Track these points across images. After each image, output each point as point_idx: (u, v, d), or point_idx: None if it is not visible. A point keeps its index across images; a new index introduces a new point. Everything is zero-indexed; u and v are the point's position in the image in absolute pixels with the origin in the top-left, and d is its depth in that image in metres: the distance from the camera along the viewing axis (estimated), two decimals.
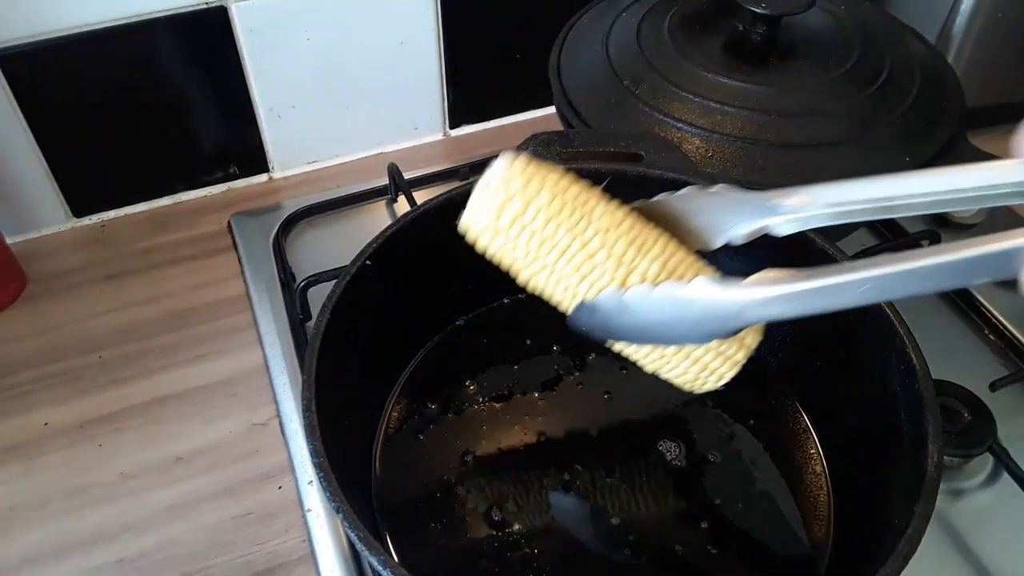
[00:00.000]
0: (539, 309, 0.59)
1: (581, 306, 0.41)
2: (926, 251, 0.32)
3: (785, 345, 0.55)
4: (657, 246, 0.40)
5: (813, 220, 0.39)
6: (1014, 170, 0.33)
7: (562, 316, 0.59)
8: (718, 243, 0.42)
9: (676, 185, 0.53)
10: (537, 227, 0.40)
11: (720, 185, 0.42)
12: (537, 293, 0.43)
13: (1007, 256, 0.30)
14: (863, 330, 0.47)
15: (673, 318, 0.39)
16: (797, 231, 0.40)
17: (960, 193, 0.35)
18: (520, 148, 0.56)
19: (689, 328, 0.39)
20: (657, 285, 0.39)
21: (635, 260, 0.40)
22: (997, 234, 0.30)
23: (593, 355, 0.57)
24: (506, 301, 0.60)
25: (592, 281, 0.40)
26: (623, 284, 0.40)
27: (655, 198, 0.44)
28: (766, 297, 0.36)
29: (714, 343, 0.42)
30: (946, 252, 0.31)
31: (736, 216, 0.41)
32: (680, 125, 0.59)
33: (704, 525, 0.48)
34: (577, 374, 0.56)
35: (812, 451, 0.52)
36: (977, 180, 0.34)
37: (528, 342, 0.57)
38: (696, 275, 0.39)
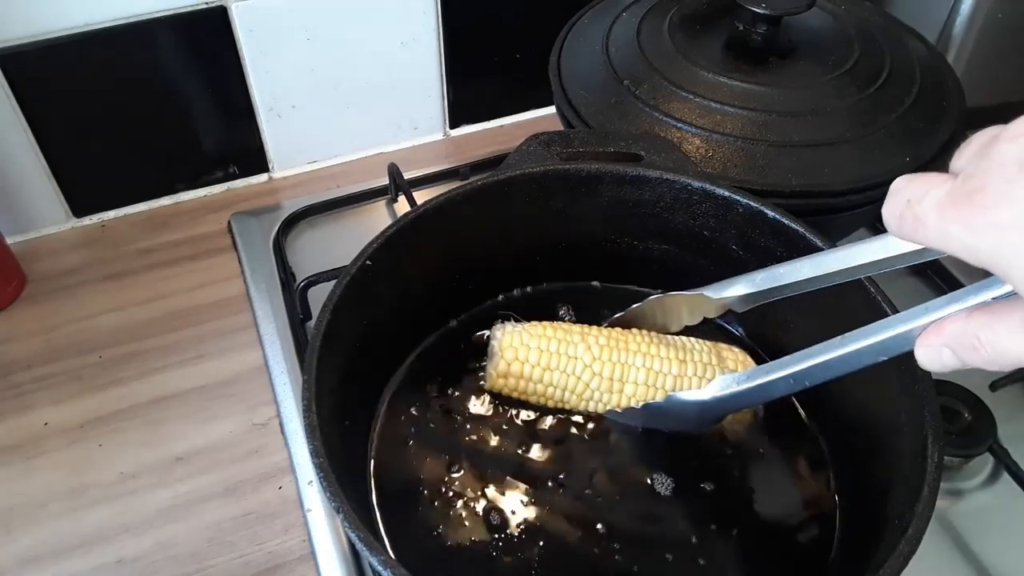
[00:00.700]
0: (538, 308, 0.59)
1: (611, 412, 0.52)
2: (834, 343, 0.40)
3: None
4: (638, 358, 0.51)
5: (754, 298, 0.47)
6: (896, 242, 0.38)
7: (558, 318, 0.59)
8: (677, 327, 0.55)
9: (676, 185, 0.53)
10: (536, 378, 0.51)
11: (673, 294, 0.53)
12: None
13: (901, 338, 0.35)
14: None
15: (671, 418, 0.50)
16: (753, 305, 0.48)
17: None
18: (520, 148, 0.56)
19: (687, 422, 0.50)
20: (641, 403, 0.50)
21: (623, 376, 0.51)
22: (889, 319, 0.37)
23: None
24: (500, 299, 0.60)
25: (596, 401, 0.52)
26: (619, 401, 0.52)
27: (629, 309, 0.54)
28: (720, 396, 0.46)
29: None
30: (858, 339, 0.38)
31: (693, 314, 0.53)
32: (680, 125, 0.59)
33: (704, 525, 0.48)
34: None
35: (813, 451, 0.52)
36: (869, 255, 0.39)
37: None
38: (676, 374, 0.51)
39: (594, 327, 0.53)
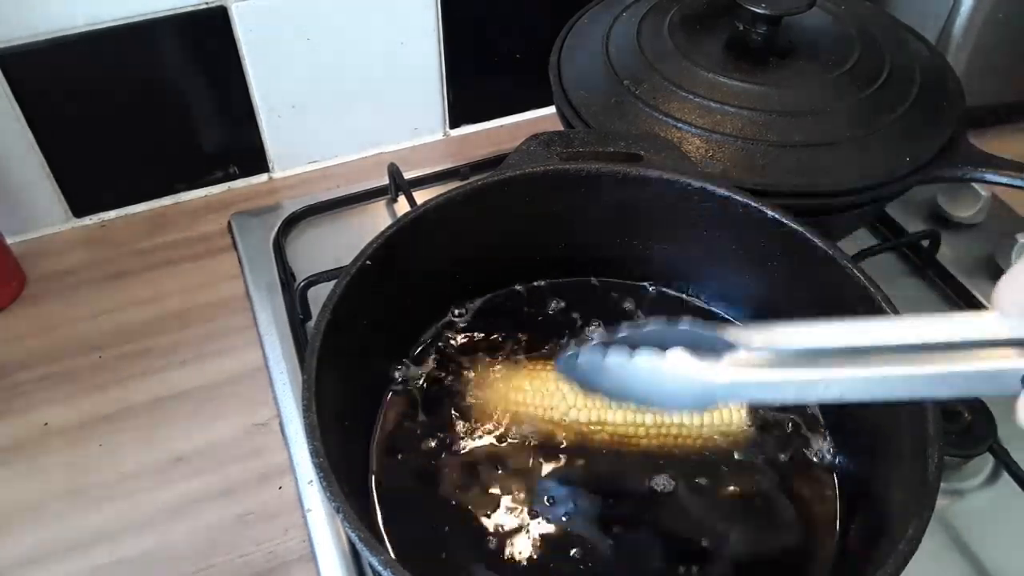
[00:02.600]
0: (537, 307, 0.59)
1: (568, 354, 0.40)
2: (908, 358, 0.31)
3: None
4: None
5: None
6: (984, 323, 0.30)
7: (560, 313, 0.59)
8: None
9: (676, 185, 0.53)
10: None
11: (685, 320, 0.41)
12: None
13: (998, 375, 0.29)
14: None
15: (651, 386, 0.38)
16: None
17: (930, 342, 0.32)
18: (520, 148, 0.56)
19: (667, 397, 0.38)
20: (635, 355, 0.38)
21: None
22: (991, 350, 0.29)
23: None
24: (500, 293, 0.60)
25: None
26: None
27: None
28: (737, 381, 0.35)
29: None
30: (928, 363, 0.30)
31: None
32: (680, 125, 0.59)
33: (703, 525, 0.48)
34: None
35: (814, 451, 0.52)
36: (952, 331, 0.31)
37: (526, 338, 0.57)
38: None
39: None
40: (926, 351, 0.31)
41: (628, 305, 0.59)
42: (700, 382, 0.36)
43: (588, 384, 0.40)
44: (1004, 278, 0.30)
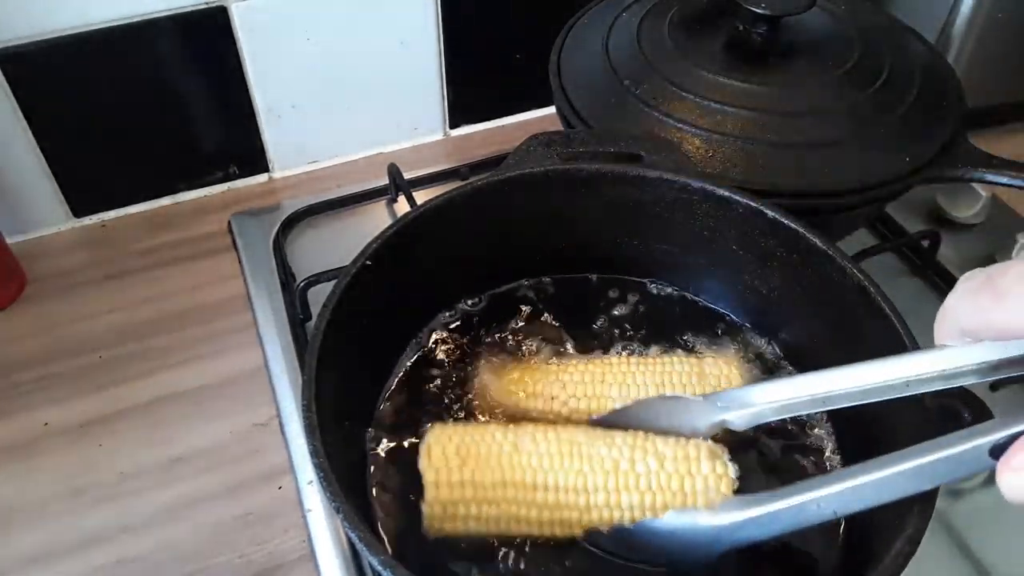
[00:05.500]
0: (535, 306, 0.59)
1: (592, 531, 0.43)
2: (887, 459, 0.34)
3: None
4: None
5: (761, 416, 0.41)
6: (934, 359, 0.35)
7: (559, 313, 0.59)
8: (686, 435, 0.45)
9: (676, 185, 0.53)
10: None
11: (670, 394, 0.47)
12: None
13: (975, 452, 0.31)
14: (867, 330, 0.47)
15: (664, 546, 0.41)
16: (751, 425, 0.43)
17: (892, 383, 0.36)
18: (520, 148, 0.56)
19: (681, 553, 0.41)
20: (634, 522, 0.41)
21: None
22: (960, 432, 0.32)
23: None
24: (500, 290, 0.60)
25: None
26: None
27: (616, 408, 0.48)
28: (736, 522, 0.38)
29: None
30: (904, 460, 0.33)
31: (694, 418, 0.44)
32: (680, 125, 0.59)
33: None
34: None
35: (815, 451, 0.52)
36: (899, 371, 0.36)
37: (525, 335, 0.57)
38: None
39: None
40: (889, 391, 0.36)
41: (629, 299, 0.60)
42: (706, 527, 0.39)
43: (615, 550, 0.43)
44: (937, 316, 0.33)
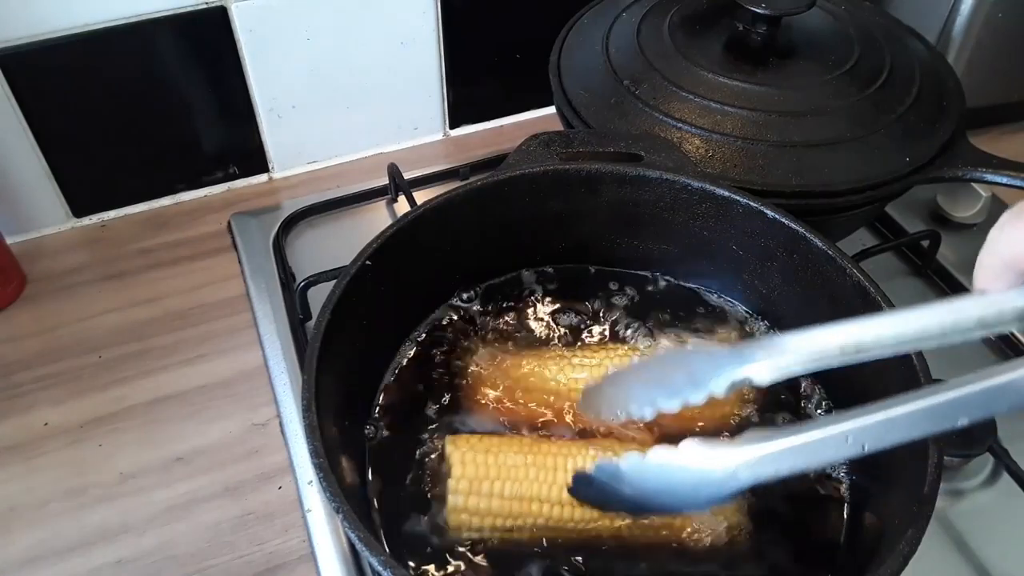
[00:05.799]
0: (536, 302, 0.59)
1: (579, 476, 0.42)
2: (908, 396, 0.32)
3: None
4: None
5: (790, 367, 0.38)
6: (974, 306, 0.33)
7: (559, 312, 0.59)
8: (700, 398, 0.40)
9: (676, 185, 0.53)
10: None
11: (694, 342, 0.44)
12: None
13: (1002, 390, 0.30)
14: None
15: (670, 485, 0.38)
16: (777, 379, 0.38)
17: (926, 333, 0.34)
18: (520, 148, 0.56)
19: (688, 494, 0.38)
20: (648, 453, 0.38)
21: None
22: (986, 370, 0.30)
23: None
24: (499, 280, 0.60)
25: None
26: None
27: (633, 364, 0.47)
28: (757, 456, 0.36)
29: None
30: (930, 396, 0.31)
31: (715, 369, 0.40)
32: (680, 125, 0.59)
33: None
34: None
35: None
36: (942, 318, 0.33)
37: (524, 334, 0.57)
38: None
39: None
40: (923, 343, 0.33)
41: (627, 293, 0.60)
42: (718, 467, 0.36)
43: (607, 501, 0.41)
44: (979, 257, 0.32)
